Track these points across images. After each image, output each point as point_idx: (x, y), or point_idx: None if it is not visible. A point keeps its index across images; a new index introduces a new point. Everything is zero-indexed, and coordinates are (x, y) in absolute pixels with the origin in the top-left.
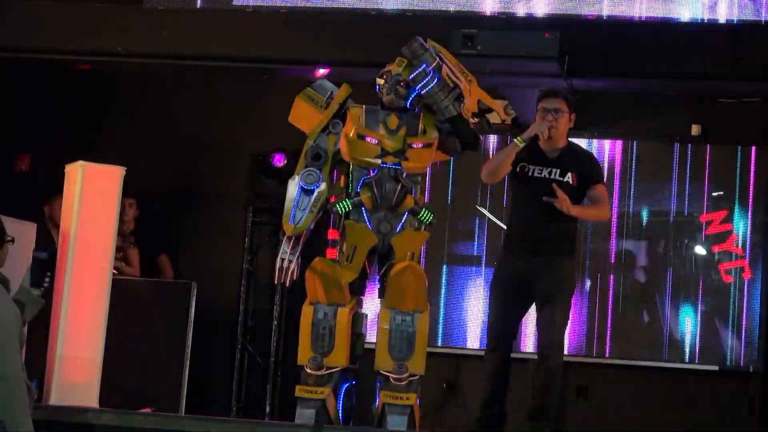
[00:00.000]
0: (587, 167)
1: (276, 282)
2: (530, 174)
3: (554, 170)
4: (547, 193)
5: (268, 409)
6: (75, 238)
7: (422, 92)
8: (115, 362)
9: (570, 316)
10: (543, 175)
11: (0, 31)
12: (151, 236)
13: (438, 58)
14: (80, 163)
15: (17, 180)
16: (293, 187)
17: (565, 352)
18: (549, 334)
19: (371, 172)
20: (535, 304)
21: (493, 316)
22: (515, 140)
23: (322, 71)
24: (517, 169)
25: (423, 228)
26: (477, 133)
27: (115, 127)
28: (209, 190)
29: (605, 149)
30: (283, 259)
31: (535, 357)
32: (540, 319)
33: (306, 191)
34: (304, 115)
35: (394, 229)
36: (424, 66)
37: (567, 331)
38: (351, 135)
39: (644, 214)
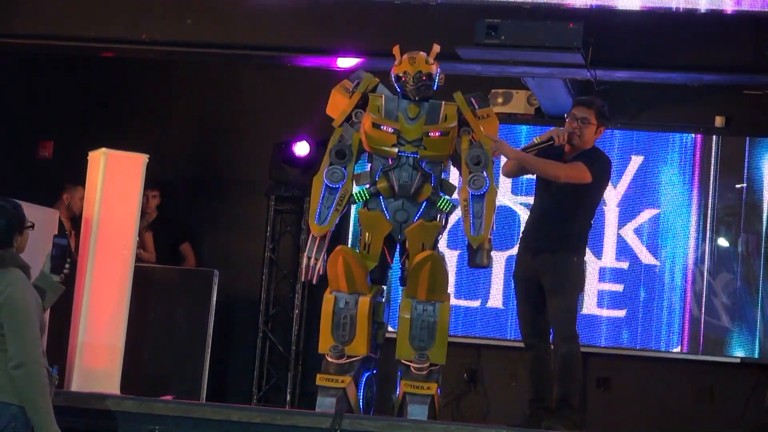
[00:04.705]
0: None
1: (302, 280)
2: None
3: None
4: (555, 192)
5: (288, 398)
6: (97, 225)
7: (476, 194)
8: (136, 349)
9: (578, 308)
10: None
11: (24, 19)
12: (174, 224)
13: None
14: (103, 150)
15: (40, 166)
16: (318, 185)
17: (587, 342)
18: (557, 326)
19: (390, 160)
20: (546, 299)
21: (519, 315)
22: (533, 139)
23: (342, 62)
24: None
25: (440, 218)
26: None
27: (139, 114)
28: (232, 179)
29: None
30: (309, 258)
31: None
32: (549, 313)
33: (330, 189)
34: (337, 106)
35: (411, 218)
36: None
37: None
38: (367, 125)
39: (669, 207)
